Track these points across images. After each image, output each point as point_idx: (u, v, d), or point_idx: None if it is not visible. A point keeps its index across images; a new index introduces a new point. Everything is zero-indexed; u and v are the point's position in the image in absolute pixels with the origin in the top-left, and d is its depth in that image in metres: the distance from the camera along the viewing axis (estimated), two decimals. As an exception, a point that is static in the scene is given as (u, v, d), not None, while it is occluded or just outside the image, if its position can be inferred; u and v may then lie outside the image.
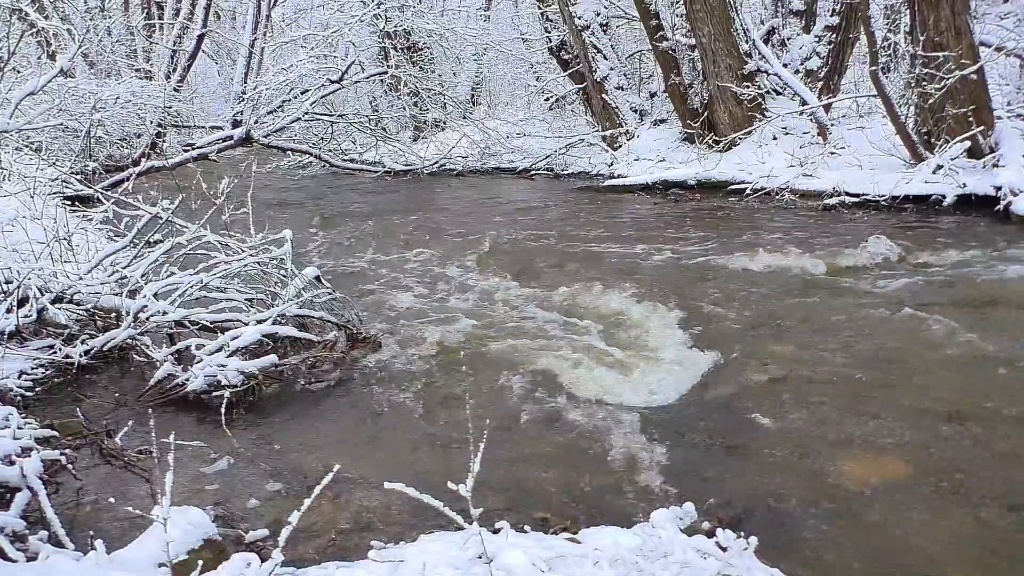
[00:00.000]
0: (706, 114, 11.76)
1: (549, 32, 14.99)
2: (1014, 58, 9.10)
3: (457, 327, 4.95)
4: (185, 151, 12.63)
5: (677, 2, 11.65)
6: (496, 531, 2.31)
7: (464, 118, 16.83)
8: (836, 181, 9.00)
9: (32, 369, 4.05)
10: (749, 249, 6.77)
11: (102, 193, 5.70)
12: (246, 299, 4.59)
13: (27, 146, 9.36)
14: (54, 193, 6.81)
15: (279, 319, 4.34)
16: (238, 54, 15.22)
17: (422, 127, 17.08)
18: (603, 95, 13.35)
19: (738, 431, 3.50)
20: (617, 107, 13.34)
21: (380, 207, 10.79)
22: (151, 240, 4.75)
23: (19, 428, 3.11)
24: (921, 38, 8.10)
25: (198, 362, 3.94)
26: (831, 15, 11.51)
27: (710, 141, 11.39)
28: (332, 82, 13.88)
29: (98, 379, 4.14)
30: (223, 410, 3.64)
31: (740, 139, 10.97)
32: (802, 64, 11.60)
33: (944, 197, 8.04)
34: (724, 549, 2.22)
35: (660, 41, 11.95)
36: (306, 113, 13.93)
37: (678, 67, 11.99)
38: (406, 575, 2.11)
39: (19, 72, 10.89)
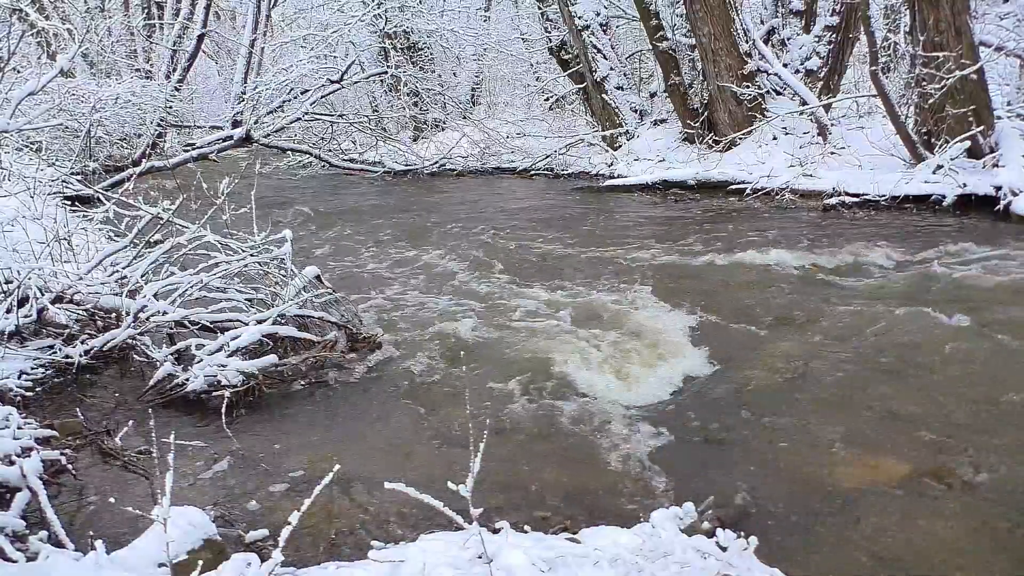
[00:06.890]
0: (706, 114, 11.77)
1: (549, 32, 15.00)
2: (1014, 58, 9.11)
3: (457, 327, 4.95)
4: (185, 151, 12.62)
5: (677, 2, 11.67)
6: (496, 531, 2.31)
7: (464, 118, 16.84)
8: (836, 181, 9.01)
9: (32, 369, 4.04)
10: (749, 249, 6.77)
11: (102, 193, 5.69)
12: (246, 299, 4.58)
13: (27, 146, 9.34)
14: (54, 193, 6.78)
15: (279, 319, 4.34)
16: (238, 54, 15.19)
17: (422, 127, 17.09)
18: (603, 95, 13.36)
19: (739, 431, 3.50)
20: (617, 107, 13.34)
21: (380, 207, 10.79)
22: (151, 240, 4.74)
23: (19, 428, 3.11)
24: (921, 38, 8.11)
25: (198, 362, 3.94)
26: (831, 15, 11.52)
27: (710, 141, 11.40)
28: (332, 82, 13.88)
29: (98, 379, 4.14)
30: (223, 410, 3.64)
31: (740, 139, 10.98)
32: (802, 64, 11.60)
33: (944, 197, 8.05)
34: (724, 549, 2.22)
35: (660, 41, 11.96)
36: (306, 113, 13.94)
37: (678, 67, 12.00)
38: (406, 575, 2.11)
39: (19, 72, 10.87)
